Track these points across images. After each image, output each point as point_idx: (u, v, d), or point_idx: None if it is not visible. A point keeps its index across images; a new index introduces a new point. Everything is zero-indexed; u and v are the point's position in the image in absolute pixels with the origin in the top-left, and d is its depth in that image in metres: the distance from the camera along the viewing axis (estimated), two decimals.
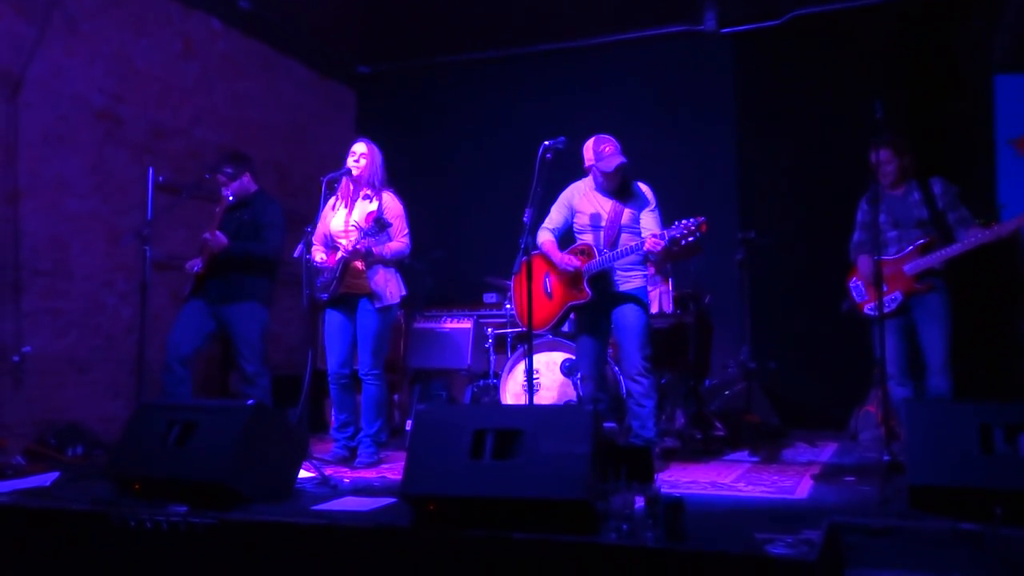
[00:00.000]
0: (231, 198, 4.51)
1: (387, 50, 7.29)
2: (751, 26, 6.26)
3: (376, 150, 4.45)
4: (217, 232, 4.35)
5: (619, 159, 4.13)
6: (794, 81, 6.18)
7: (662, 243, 3.92)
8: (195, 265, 4.48)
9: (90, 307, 5.24)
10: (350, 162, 4.38)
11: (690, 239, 3.87)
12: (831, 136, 5.79)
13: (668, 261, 5.12)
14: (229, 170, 4.54)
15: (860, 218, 4.38)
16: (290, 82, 6.95)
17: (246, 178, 4.60)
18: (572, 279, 4.22)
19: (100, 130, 5.31)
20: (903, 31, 5.99)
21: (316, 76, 7.25)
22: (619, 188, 4.24)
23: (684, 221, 3.88)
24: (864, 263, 4.23)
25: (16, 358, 4.74)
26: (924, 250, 4.09)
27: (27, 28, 4.88)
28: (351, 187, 4.44)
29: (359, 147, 4.41)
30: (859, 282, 4.29)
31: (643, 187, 4.28)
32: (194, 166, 5.82)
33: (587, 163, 4.26)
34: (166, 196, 5.30)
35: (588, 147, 4.24)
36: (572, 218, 4.35)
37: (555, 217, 4.37)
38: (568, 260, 4.19)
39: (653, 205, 4.24)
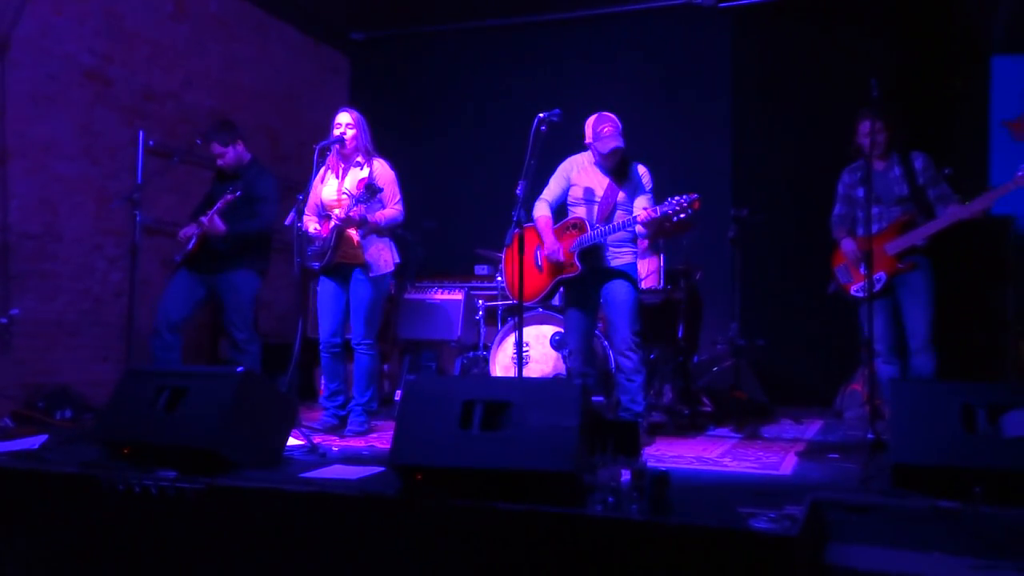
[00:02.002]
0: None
1: (382, 17, 7.20)
2: (749, 1, 6.21)
3: (362, 119, 4.40)
4: (215, 218, 4.33)
5: (614, 143, 4.11)
6: (791, 58, 6.14)
7: (654, 215, 3.92)
8: (190, 241, 4.46)
9: (79, 271, 5.21)
10: (337, 133, 4.34)
11: (682, 216, 3.87)
12: (827, 114, 5.75)
13: (660, 237, 5.12)
14: (223, 139, 4.50)
15: (841, 191, 4.39)
16: (283, 47, 6.87)
17: (240, 147, 4.57)
18: (563, 251, 4.21)
19: (89, 91, 5.24)
20: (901, 10, 5.95)
21: (310, 41, 7.16)
22: (617, 167, 4.23)
23: (677, 197, 3.87)
24: (847, 245, 4.25)
25: (4, 321, 4.72)
26: (903, 227, 4.10)
27: None
28: (341, 157, 4.41)
29: (343, 117, 4.36)
30: (843, 264, 4.30)
31: (642, 169, 4.26)
32: (185, 130, 5.76)
33: (587, 140, 4.25)
34: (156, 160, 5.25)
35: (589, 124, 4.22)
36: (569, 190, 4.33)
37: (553, 188, 4.35)
38: (557, 252, 4.17)
39: (649, 187, 4.23)
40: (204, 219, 4.36)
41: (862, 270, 4.04)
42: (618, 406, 4.24)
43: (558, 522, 2.46)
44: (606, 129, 4.14)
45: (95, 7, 5.25)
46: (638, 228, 4.13)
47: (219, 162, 4.56)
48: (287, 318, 6.56)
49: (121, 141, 5.35)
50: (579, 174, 4.30)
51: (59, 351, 5.09)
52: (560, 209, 4.38)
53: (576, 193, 4.28)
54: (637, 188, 4.21)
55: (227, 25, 6.30)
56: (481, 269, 6.07)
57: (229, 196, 4.33)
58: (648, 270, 5.29)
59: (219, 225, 4.33)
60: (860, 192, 4.15)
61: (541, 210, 4.31)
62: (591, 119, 4.21)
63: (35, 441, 3.67)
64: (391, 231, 4.46)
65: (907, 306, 4.11)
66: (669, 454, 3.89)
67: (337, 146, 4.36)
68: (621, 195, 4.19)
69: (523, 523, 2.49)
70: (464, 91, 7.10)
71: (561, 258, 4.17)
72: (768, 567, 2.25)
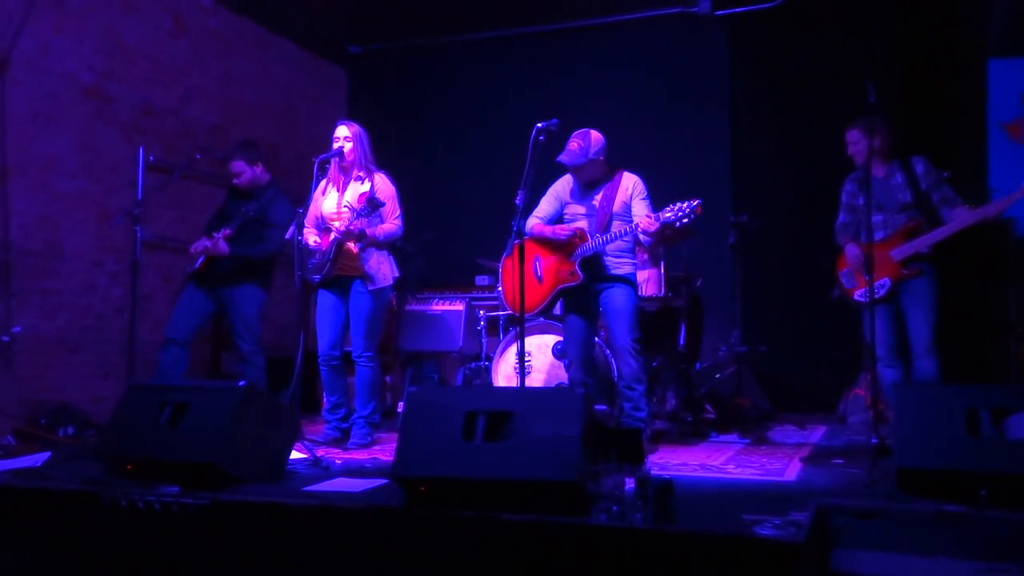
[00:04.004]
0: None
1: (379, 30, 7.23)
2: (746, 8, 6.23)
3: (361, 131, 4.42)
4: (220, 241, 4.38)
5: (562, 156, 4.14)
6: (788, 64, 6.16)
7: (656, 224, 3.92)
8: (198, 259, 4.52)
9: (80, 287, 5.21)
10: (335, 146, 4.35)
11: (685, 221, 3.88)
12: (825, 119, 5.75)
13: (661, 244, 5.13)
14: (243, 158, 4.54)
15: (845, 200, 4.39)
16: (281, 61, 6.90)
17: (259, 168, 4.62)
18: (563, 260, 4.22)
19: (89, 108, 5.26)
20: (897, 14, 5.97)
21: (308, 55, 7.20)
22: (598, 179, 4.22)
23: (679, 204, 3.87)
24: (851, 250, 4.25)
25: (6, 338, 4.72)
26: (909, 234, 4.10)
27: (14, 3, 4.82)
28: (341, 170, 4.42)
29: (342, 130, 4.38)
30: (848, 270, 4.30)
31: (633, 177, 4.25)
32: (185, 145, 5.78)
33: None
34: (156, 176, 5.26)
35: None
36: (562, 209, 4.36)
37: (544, 208, 4.37)
38: (563, 228, 4.20)
39: (644, 194, 4.23)
40: (209, 243, 4.41)
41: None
42: (621, 414, 4.23)
43: (562, 532, 2.46)
44: (571, 144, 4.18)
45: (94, 25, 5.28)
46: (640, 236, 4.13)
47: (235, 180, 4.60)
48: (289, 331, 6.56)
49: (121, 157, 5.37)
50: (570, 192, 4.32)
51: (61, 368, 5.09)
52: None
53: (575, 209, 4.30)
54: (630, 197, 4.21)
55: (226, 41, 6.33)
56: (482, 280, 6.08)
57: (228, 231, 4.42)
58: (648, 279, 5.29)
59: (223, 248, 4.40)
60: (862, 200, 4.14)
61: (534, 222, 4.34)
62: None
63: (38, 458, 3.66)
64: (390, 245, 4.47)
65: (910, 312, 4.11)
66: (673, 462, 3.88)
67: (337, 159, 4.38)
68: (618, 202, 4.20)
69: (527, 533, 2.48)
70: (462, 102, 7.12)
71: (570, 232, 4.16)
72: (774, 574, 2.24)
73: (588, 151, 4.15)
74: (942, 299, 4.09)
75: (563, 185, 4.37)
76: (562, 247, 4.23)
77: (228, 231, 4.45)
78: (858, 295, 4.22)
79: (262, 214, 4.49)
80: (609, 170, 4.26)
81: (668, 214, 3.89)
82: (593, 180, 4.24)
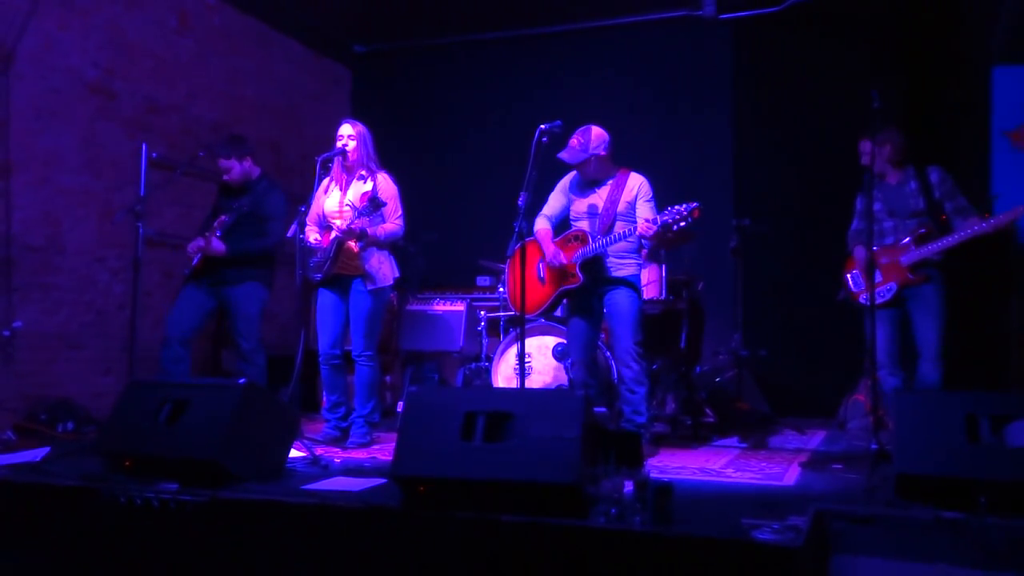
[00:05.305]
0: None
1: (383, 30, 7.24)
2: (750, 12, 6.23)
3: (365, 131, 4.42)
4: (213, 241, 4.37)
5: (562, 153, 4.15)
6: (792, 68, 6.16)
7: (654, 227, 3.92)
8: (194, 257, 4.49)
9: (82, 283, 5.22)
10: (339, 145, 4.36)
11: (682, 224, 3.88)
12: (828, 124, 5.78)
13: (662, 247, 5.13)
14: (231, 154, 4.52)
15: (859, 206, 4.39)
16: (285, 60, 6.90)
17: (248, 162, 4.59)
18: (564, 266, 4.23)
19: (93, 104, 5.27)
20: (902, 20, 5.97)
21: (312, 54, 7.20)
22: (603, 178, 4.23)
23: (677, 206, 3.88)
24: (861, 253, 4.24)
25: (7, 333, 4.72)
26: (921, 240, 4.10)
27: None
28: (344, 169, 4.42)
29: (346, 129, 4.38)
30: (856, 272, 4.30)
31: (639, 178, 4.25)
32: (188, 143, 5.78)
33: None
34: (159, 172, 5.27)
35: None
36: (569, 205, 4.35)
37: (553, 204, 4.38)
38: (557, 256, 4.19)
39: (649, 196, 4.23)
40: (201, 241, 4.39)
41: (876, 277, 4.03)
42: (620, 417, 4.23)
43: (561, 534, 2.46)
44: (571, 142, 4.18)
45: (99, 21, 5.28)
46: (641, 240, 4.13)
47: (225, 177, 4.58)
48: (290, 330, 6.56)
49: (124, 154, 5.37)
50: (574, 186, 4.32)
51: (61, 363, 5.10)
52: (562, 224, 4.40)
53: (579, 208, 4.30)
54: (635, 198, 4.21)
55: (230, 38, 6.33)
56: (483, 280, 6.08)
57: (225, 219, 4.38)
58: (649, 279, 5.29)
59: (218, 247, 4.37)
60: (877, 206, 4.14)
61: (541, 224, 4.34)
62: None
63: (37, 454, 3.66)
64: (391, 245, 4.47)
65: (918, 319, 4.10)
66: (672, 465, 3.88)
67: (340, 158, 4.38)
68: (623, 202, 4.20)
69: (526, 535, 2.48)
70: (465, 103, 7.12)
71: (564, 261, 4.17)
72: None
73: (588, 147, 4.15)
74: (949, 307, 4.08)
75: (569, 179, 4.37)
76: (564, 250, 4.23)
77: (224, 218, 4.41)
78: (863, 299, 4.22)
79: (257, 207, 4.47)
80: (614, 168, 4.26)
81: (665, 217, 3.90)
82: (596, 177, 4.24)
